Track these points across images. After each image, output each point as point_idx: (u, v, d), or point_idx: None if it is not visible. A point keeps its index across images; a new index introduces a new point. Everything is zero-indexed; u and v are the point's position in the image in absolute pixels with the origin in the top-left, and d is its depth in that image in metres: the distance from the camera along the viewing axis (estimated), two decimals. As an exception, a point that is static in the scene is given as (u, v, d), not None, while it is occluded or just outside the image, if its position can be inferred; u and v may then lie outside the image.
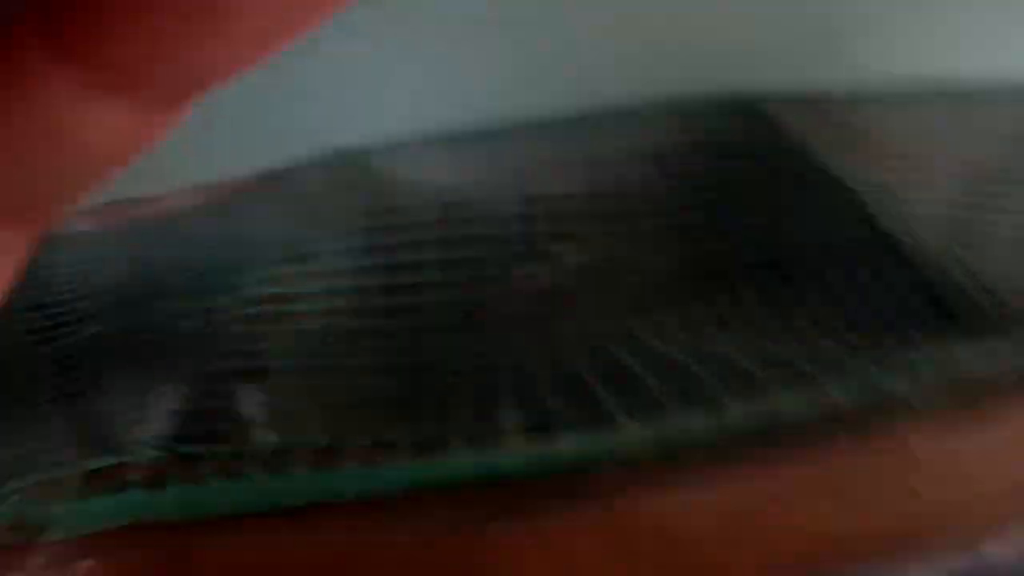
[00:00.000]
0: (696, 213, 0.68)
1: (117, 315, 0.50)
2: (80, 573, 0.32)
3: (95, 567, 0.32)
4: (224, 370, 0.44)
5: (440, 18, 0.62)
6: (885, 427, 0.42)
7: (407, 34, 0.61)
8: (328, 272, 0.53)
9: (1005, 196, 0.72)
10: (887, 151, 0.80)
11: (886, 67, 0.69)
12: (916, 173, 0.72)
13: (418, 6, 0.61)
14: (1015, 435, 0.42)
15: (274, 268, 0.52)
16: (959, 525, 0.34)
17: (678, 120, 0.79)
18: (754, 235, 0.65)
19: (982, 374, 0.45)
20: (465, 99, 0.67)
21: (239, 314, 0.48)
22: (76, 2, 0.11)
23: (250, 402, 0.43)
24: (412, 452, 0.36)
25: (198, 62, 0.14)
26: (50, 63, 0.12)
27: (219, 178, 0.60)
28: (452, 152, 0.73)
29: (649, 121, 0.80)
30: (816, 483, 0.43)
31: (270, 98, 0.59)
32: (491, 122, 0.73)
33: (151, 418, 0.39)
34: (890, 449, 0.39)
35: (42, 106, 0.12)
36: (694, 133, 0.78)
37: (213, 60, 0.14)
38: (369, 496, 0.35)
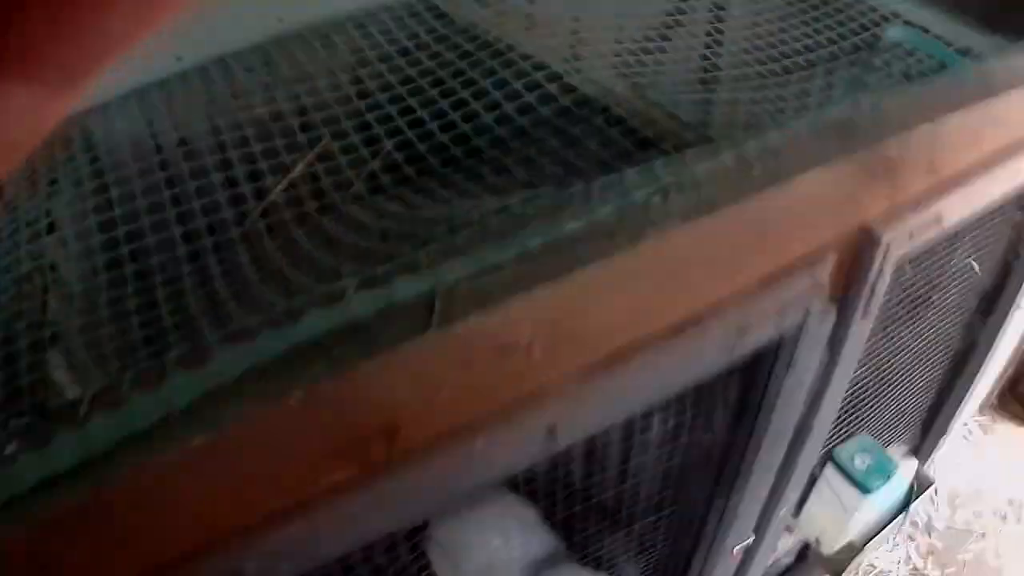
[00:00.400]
0: (398, 108, 0.78)
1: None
2: None
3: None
4: (24, 343, 0.48)
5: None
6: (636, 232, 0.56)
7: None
8: (73, 236, 0.55)
9: (667, 40, 0.91)
10: (559, 28, 0.94)
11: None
12: (587, 42, 0.87)
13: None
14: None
15: (29, 245, 0.53)
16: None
17: (373, 29, 0.87)
18: (455, 118, 0.76)
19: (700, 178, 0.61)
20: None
21: (15, 292, 0.50)
22: None
23: (55, 365, 0.47)
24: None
25: (92, 42, 0.17)
26: None
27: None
28: (155, 100, 0.75)
29: (344, 32, 0.88)
30: (609, 281, 0.57)
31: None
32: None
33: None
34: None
35: None
36: (388, 39, 0.86)
37: (106, 39, 0.18)
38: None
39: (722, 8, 1.23)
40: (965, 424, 2.25)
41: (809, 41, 1.12)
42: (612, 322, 0.66)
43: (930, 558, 1.97)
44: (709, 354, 0.75)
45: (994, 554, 1.99)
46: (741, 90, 1.02)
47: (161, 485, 0.50)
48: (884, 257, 0.91)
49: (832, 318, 0.91)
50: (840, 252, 0.85)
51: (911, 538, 2.00)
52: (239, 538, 0.56)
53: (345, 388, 0.54)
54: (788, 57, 1.08)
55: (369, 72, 0.95)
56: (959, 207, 1.02)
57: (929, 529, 2.03)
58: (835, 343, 0.96)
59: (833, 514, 1.47)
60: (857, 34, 1.14)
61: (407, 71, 0.94)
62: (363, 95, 0.91)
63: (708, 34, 1.17)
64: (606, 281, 0.63)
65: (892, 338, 1.37)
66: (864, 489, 1.41)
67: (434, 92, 0.89)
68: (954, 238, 1.26)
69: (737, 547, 1.22)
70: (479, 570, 1.23)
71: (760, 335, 0.80)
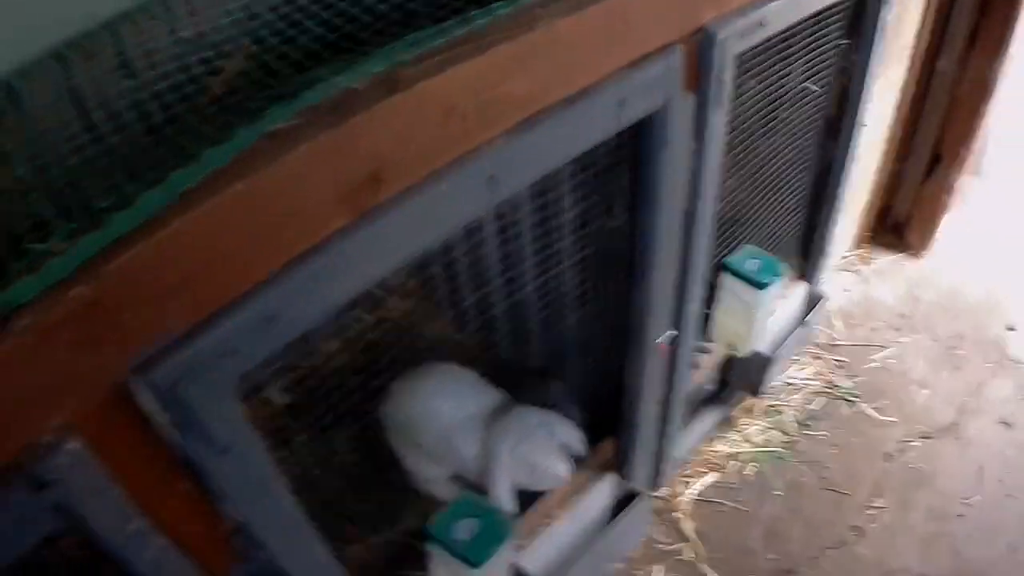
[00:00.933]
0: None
1: None
2: None
3: None
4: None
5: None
6: None
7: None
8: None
9: None
10: None
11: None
12: None
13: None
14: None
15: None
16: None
17: None
18: None
19: None
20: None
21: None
22: None
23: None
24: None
25: None
26: None
27: None
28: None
29: None
30: (515, 58, 0.83)
31: None
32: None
33: None
34: None
35: None
36: None
37: None
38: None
39: None
40: (845, 257, 2.59)
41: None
42: (523, 92, 0.91)
43: (839, 371, 2.29)
44: (600, 120, 1.01)
45: (896, 361, 2.33)
46: None
47: (208, 229, 0.72)
48: (723, 53, 1.19)
49: (691, 104, 1.19)
50: (687, 46, 1.12)
51: (818, 356, 2.32)
52: (270, 284, 0.78)
53: (341, 139, 0.77)
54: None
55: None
56: (779, 15, 1.31)
57: (832, 346, 2.36)
58: (699, 130, 1.24)
59: (738, 314, 1.77)
60: None
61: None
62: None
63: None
64: (514, 58, 0.88)
65: (755, 151, 1.66)
66: (759, 285, 1.70)
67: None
68: (786, 53, 1.55)
69: (660, 339, 1.49)
70: (440, 437, 1.44)
71: (635, 109, 1.06)
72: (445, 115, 0.85)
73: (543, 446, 1.38)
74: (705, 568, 1.84)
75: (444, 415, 1.41)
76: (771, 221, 1.89)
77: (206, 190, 0.71)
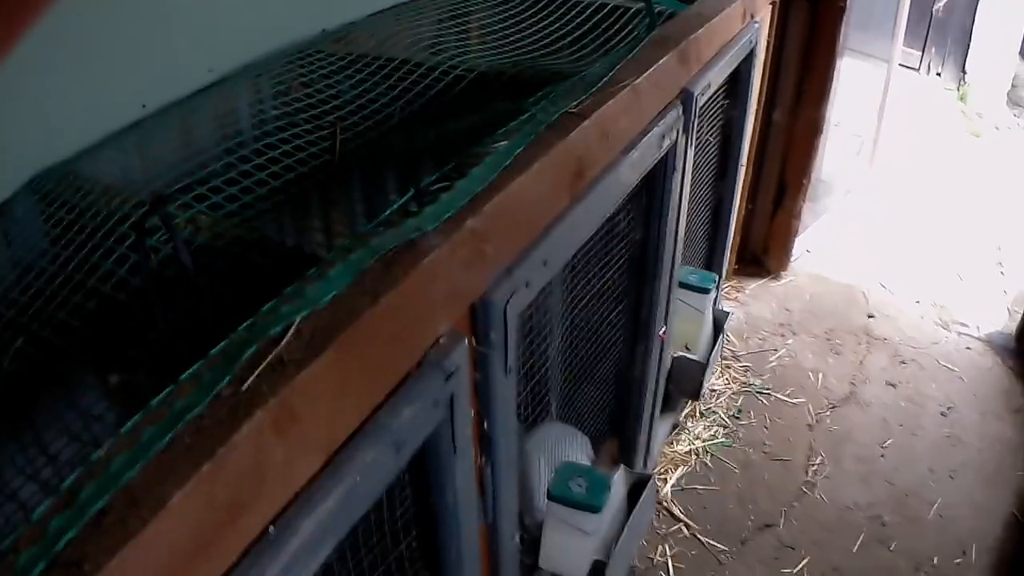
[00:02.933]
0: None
1: None
2: None
3: None
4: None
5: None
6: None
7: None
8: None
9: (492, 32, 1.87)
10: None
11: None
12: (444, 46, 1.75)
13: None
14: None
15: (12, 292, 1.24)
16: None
17: (285, 69, 1.73)
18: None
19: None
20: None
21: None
22: None
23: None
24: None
25: None
26: None
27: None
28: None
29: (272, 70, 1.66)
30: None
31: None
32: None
33: None
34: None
35: None
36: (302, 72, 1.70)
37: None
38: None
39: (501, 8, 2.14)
40: (724, 289, 3.32)
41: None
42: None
43: (748, 374, 2.98)
44: (638, 165, 1.62)
45: (790, 358, 3.07)
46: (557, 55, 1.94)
47: (527, 188, 1.22)
48: (695, 104, 1.85)
49: (684, 138, 1.83)
50: (681, 100, 1.77)
51: (728, 366, 3.00)
52: (545, 236, 1.28)
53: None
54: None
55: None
56: (712, 80, 1.99)
57: (736, 357, 3.06)
58: (685, 159, 1.88)
59: (691, 318, 2.40)
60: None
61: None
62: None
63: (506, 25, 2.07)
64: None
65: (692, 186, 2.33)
66: (704, 291, 2.34)
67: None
68: (703, 111, 2.24)
69: (661, 330, 2.08)
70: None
71: (661, 147, 1.68)
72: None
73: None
74: (705, 539, 2.41)
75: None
76: (693, 245, 2.56)
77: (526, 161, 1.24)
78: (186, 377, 0.84)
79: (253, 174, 1.46)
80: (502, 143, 1.27)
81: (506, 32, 2.11)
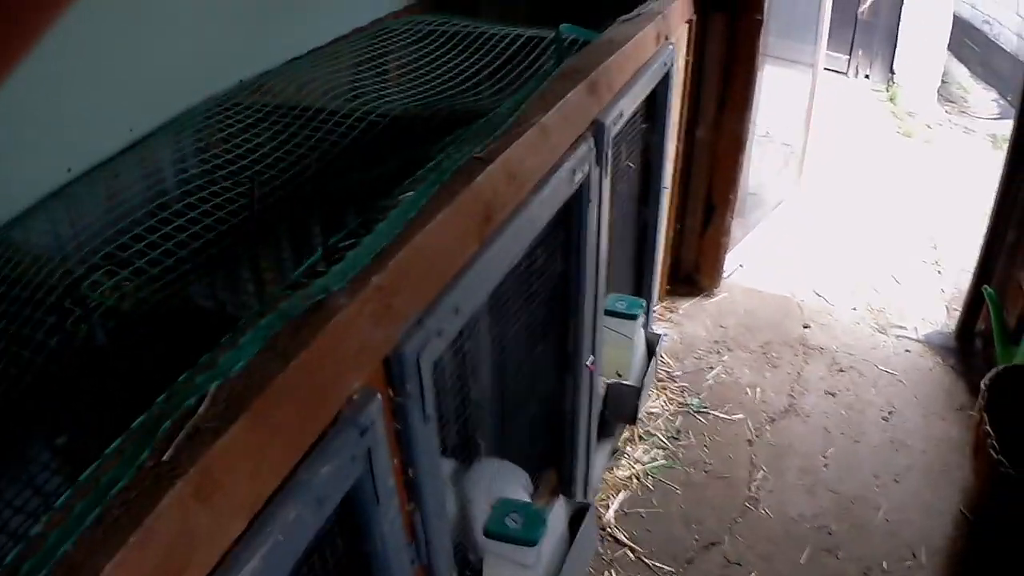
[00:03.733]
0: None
1: None
2: None
3: None
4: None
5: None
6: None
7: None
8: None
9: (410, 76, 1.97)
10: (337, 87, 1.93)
11: None
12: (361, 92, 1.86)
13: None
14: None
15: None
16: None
17: (210, 122, 1.83)
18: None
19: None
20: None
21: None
22: None
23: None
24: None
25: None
26: None
27: None
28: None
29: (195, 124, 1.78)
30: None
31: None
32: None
33: None
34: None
35: None
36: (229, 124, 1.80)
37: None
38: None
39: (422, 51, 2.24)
40: (655, 310, 3.44)
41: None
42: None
43: (684, 394, 3.09)
44: (550, 202, 1.72)
45: (726, 375, 3.18)
46: (475, 91, 2.04)
47: (432, 241, 1.32)
48: (608, 134, 1.95)
49: (598, 170, 1.93)
50: (593, 132, 1.88)
51: (664, 388, 3.11)
52: (453, 285, 1.39)
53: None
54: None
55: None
56: (624, 108, 2.10)
57: (672, 378, 3.17)
58: (600, 190, 1.98)
59: (620, 345, 2.50)
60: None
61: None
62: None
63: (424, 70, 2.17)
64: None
65: (615, 214, 2.44)
66: (632, 316, 2.45)
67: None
68: (618, 139, 2.36)
69: (589, 361, 2.18)
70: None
71: (573, 182, 1.78)
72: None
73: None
74: (650, 562, 2.50)
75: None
76: (620, 271, 2.67)
77: (431, 211, 1.33)
78: (110, 451, 0.92)
79: (175, 235, 1.54)
80: (408, 194, 1.36)
81: (423, 72, 2.21)
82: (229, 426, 0.93)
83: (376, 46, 2.37)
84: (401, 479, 1.31)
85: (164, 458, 0.90)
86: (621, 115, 2.07)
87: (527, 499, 2.01)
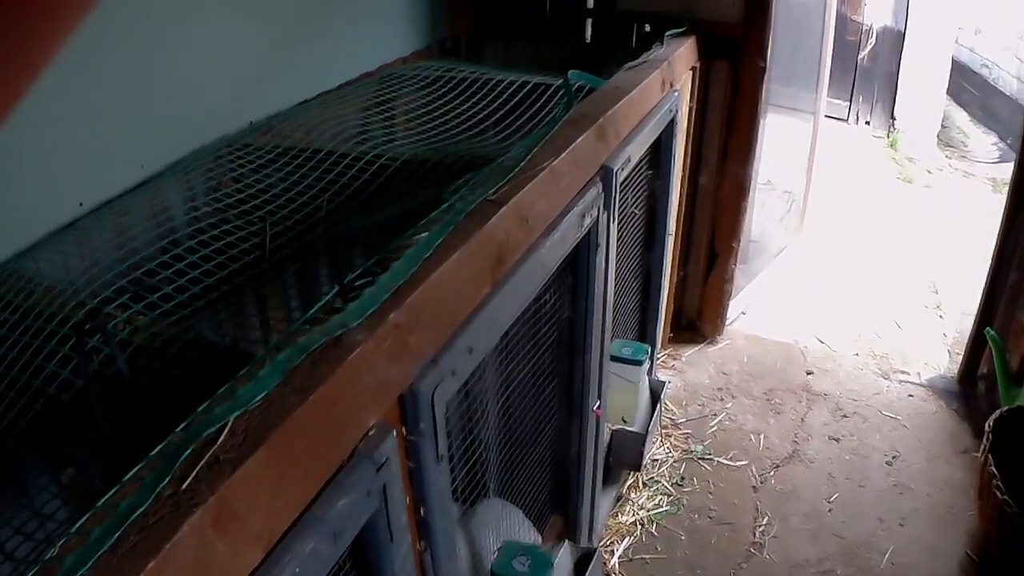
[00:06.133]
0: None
1: None
2: None
3: None
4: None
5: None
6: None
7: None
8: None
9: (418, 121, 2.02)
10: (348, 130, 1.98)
11: None
12: (370, 135, 1.90)
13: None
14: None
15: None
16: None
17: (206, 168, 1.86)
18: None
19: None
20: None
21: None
22: None
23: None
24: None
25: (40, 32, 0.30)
26: None
27: None
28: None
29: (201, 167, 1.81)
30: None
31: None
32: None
33: None
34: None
35: None
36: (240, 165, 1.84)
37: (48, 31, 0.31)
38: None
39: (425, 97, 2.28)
40: (659, 358, 3.46)
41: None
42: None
43: (688, 441, 3.10)
44: (560, 246, 1.75)
45: (730, 422, 3.19)
46: (482, 136, 2.08)
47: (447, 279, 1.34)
48: (615, 179, 1.99)
49: (605, 214, 1.96)
50: (601, 177, 1.91)
51: (668, 435, 3.12)
52: (467, 324, 1.41)
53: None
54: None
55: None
56: (631, 153, 2.14)
57: (676, 425, 3.18)
58: (608, 234, 2.01)
59: (625, 390, 2.52)
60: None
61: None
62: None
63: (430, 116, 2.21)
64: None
65: (621, 259, 2.47)
66: (637, 363, 2.47)
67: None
68: (625, 185, 2.39)
69: (596, 406, 2.20)
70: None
71: (582, 226, 1.81)
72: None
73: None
74: (654, 608, 2.51)
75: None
76: (626, 318, 2.69)
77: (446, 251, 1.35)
78: (129, 478, 0.93)
79: (188, 272, 1.57)
80: (423, 234, 1.39)
81: (431, 117, 2.25)
82: (248, 457, 0.95)
83: (384, 91, 2.41)
84: (413, 518, 1.32)
85: (183, 487, 0.91)
86: (628, 160, 2.10)
87: (533, 542, 2.01)
